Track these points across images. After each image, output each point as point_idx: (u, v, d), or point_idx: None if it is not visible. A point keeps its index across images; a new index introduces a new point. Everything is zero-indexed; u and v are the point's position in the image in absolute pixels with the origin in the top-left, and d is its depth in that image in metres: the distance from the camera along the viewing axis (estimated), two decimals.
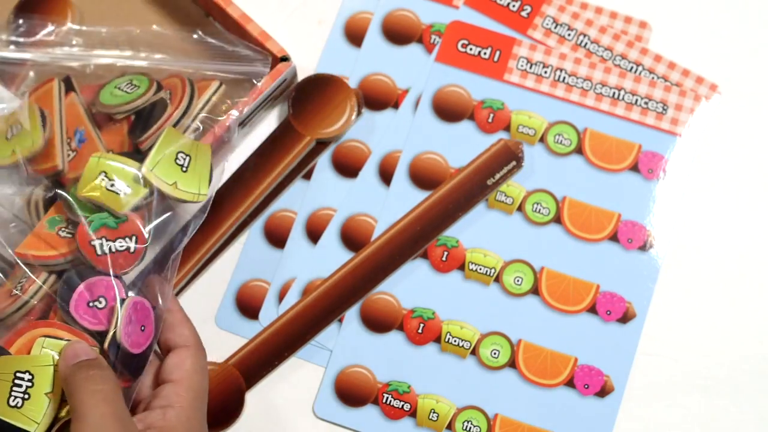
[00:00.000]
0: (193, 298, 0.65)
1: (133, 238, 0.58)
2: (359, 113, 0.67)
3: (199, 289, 0.66)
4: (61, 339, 0.55)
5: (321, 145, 0.67)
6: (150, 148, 0.59)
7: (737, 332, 0.65)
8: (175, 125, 0.62)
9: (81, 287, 0.56)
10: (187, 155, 0.59)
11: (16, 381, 0.53)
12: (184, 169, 0.59)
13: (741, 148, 0.68)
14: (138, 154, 0.61)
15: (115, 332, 0.55)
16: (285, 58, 0.65)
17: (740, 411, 0.64)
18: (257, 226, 0.67)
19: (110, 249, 0.57)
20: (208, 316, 0.65)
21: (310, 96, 0.67)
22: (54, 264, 0.58)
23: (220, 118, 0.63)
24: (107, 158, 0.58)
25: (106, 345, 0.55)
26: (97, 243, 0.57)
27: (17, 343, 0.55)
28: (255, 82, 0.64)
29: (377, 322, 0.65)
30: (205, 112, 0.63)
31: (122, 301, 0.56)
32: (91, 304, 0.56)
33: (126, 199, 0.58)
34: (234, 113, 0.63)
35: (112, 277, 0.57)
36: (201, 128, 0.63)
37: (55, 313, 0.57)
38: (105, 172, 0.58)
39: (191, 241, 0.63)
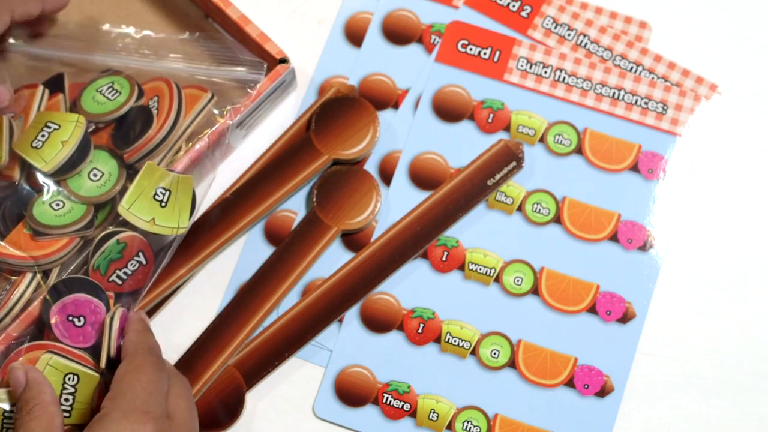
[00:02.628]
0: (193, 298, 0.65)
1: (141, 254, 0.60)
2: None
3: (199, 289, 0.66)
4: (67, 358, 0.57)
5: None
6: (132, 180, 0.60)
7: (737, 332, 0.65)
8: (163, 140, 0.62)
9: (58, 305, 0.58)
10: (167, 190, 0.60)
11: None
12: (163, 204, 0.60)
13: (741, 148, 0.68)
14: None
15: (108, 348, 0.57)
16: (284, 60, 0.65)
17: (740, 411, 0.64)
18: (257, 226, 0.67)
19: (126, 274, 0.60)
20: (209, 316, 0.65)
21: (334, 115, 0.66)
22: (36, 264, 0.59)
23: (213, 128, 0.63)
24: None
25: (103, 364, 0.57)
26: (114, 278, 0.59)
27: (20, 360, 0.57)
28: (248, 89, 0.64)
29: (377, 322, 0.65)
30: (195, 126, 0.63)
31: (111, 319, 0.57)
32: (69, 318, 0.57)
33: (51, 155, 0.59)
34: (228, 121, 0.63)
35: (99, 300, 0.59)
36: (191, 137, 0.63)
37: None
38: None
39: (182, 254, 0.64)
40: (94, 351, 0.58)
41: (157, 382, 0.54)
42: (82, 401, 0.56)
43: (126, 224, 0.60)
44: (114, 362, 0.56)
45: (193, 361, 0.63)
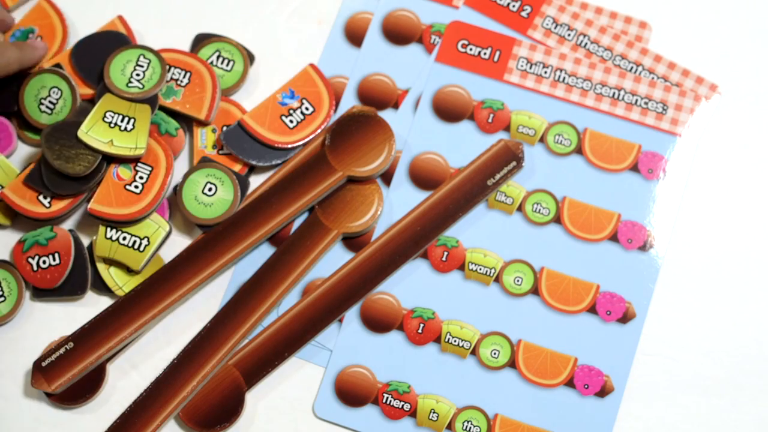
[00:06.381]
0: (194, 298, 0.65)
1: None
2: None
3: (200, 289, 0.66)
4: None
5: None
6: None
7: (737, 332, 0.65)
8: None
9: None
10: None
11: None
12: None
13: (740, 148, 0.68)
14: None
15: None
16: None
17: (740, 411, 0.64)
18: None
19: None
20: (209, 316, 0.65)
21: (349, 132, 0.66)
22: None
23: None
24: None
25: None
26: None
27: None
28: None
29: (377, 322, 0.65)
30: None
31: None
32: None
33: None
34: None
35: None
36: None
37: None
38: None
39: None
40: None
41: None
42: None
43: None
44: None
45: (191, 357, 0.63)
